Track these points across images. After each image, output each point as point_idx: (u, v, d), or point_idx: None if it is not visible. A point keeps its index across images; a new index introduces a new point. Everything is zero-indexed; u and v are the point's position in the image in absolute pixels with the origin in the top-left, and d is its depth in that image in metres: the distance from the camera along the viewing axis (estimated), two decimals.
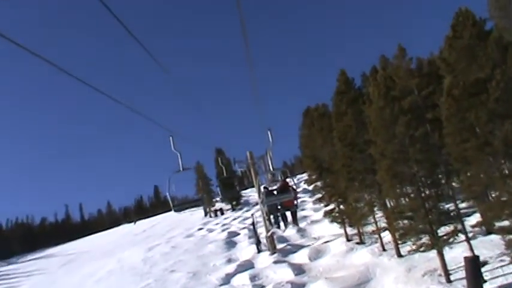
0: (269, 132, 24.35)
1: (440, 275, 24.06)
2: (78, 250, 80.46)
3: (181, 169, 15.07)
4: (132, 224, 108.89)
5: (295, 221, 25.26)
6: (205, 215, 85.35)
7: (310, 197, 70.62)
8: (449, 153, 23.91)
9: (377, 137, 25.53)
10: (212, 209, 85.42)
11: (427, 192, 23.94)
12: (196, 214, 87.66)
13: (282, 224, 25.03)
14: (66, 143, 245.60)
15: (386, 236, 31.97)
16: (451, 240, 23.13)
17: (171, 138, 14.51)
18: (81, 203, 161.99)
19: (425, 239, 23.62)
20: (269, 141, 24.25)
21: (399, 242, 27.05)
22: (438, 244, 23.16)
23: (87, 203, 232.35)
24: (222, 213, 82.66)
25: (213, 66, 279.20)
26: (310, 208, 59.99)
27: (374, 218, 32.60)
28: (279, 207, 22.88)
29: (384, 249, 31.49)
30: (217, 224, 70.84)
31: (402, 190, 24.72)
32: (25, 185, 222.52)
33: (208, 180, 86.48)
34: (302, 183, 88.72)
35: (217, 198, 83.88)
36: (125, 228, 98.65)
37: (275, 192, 23.18)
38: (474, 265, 20.91)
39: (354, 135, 31.07)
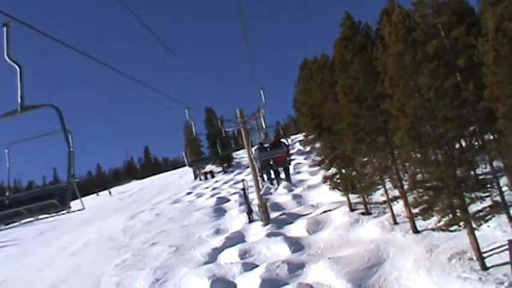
0: (261, 92, 21.49)
1: (471, 259, 19.59)
2: (58, 217, 75.60)
3: (19, 108, 12.37)
4: (109, 194, 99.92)
5: (287, 177, 23.05)
6: (195, 178, 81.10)
7: (305, 159, 66.53)
8: (490, 109, 18.99)
9: (395, 90, 20.65)
10: (202, 171, 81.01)
11: (458, 157, 19.23)
12: (186, 177, 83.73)
13: (274, 180, 23.09)
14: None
15: (396, 206, 27.59)
16: (488, 217, 18.53)
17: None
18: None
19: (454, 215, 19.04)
20: (262, 101, 21.29)
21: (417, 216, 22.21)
22: (471, 222, 18.60)
23: (76, 166, 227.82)
24: (213, 176, 78.33)
25: (201, 24, 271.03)
26: (307, 171, 55.61)
27: (384, 186, 27.99)
28: (271, 163, 21.08)
29: (396, 222, 26.98)
30: (206, 188, 66.65)
31: (426, 155, 19.89)
32: (12, 149, 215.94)
33: (198, 140, 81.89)
34: (297, 145, 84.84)
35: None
36: (97, 199, 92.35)
37: (268, 149, 20.86)
38: None
39: (361, 88, 26.19)
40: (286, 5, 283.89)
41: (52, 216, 5.85)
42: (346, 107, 26.83)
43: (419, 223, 24.22)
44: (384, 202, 27.35)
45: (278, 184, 24.49)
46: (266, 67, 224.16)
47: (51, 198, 5.07)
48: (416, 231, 24.60)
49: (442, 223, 19.46)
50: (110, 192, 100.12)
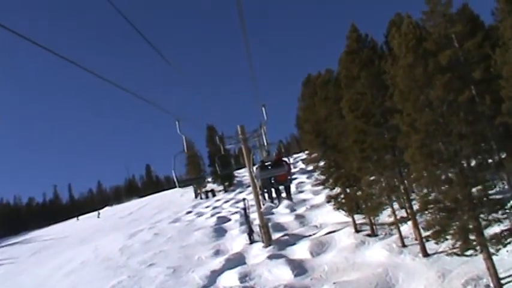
0: (263, 109, 22.05)
1: (488, 286, 18.23)
2: (57, 235, 74.56)
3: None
4: (96, 215, 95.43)
5: (288, 195, 23.03)
6: (196, 197, 79.82)
7: (308, 178, 65.24)
8: (508, 125, 17.73)
9: (405, 104, 19.44)
10: (203, 190, 79.72)
11: (473, 176, 17.95)
12: (187, 195, 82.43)
13: (276, 199, 22.90)
14: (58, 122, 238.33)
15: (403, 228, 26.27)
16: (508, 240, 17.19)
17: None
18: (70, 183, 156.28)
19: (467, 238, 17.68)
20: (263, 117, 22.02)
21: (427, 238, 20.77)
22: (488, 246, 17.27)
23: (78, 183, 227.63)
24: (214, 195, 77.01)
25: (204, 41, 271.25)
26: (309, 191, 54.32)
27: (392, 207, 26.65)
28: (272, 181, 21.52)
29: (404, 245, 25.61)
30: (207, 207, 65.24)
31: (438, 173, 18.60)
32: (14, 165, 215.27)
33: (199, 159, 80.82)
34: (299, 163, 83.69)
35: (209, 179, 78.02)
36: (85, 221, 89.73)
37: (269, 166, 21.33)
38: None
39: (368, 103, 25.00)
40: (288, 20, 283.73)
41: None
42: (352, 124, 25.62)
43: (430, 246, 22.91)
44: (392, 224, 25.93)
45: (279, 202, 24.25)
46: (268, 86, 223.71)
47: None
48: (426, 254, 23.26)
49: (455, 247, 18.14)
50: (98, 214, 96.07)
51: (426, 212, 19.72)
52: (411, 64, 19.19)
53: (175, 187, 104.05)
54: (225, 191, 79.19)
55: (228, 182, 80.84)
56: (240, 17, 7.21)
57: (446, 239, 18.69)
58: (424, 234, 21.66)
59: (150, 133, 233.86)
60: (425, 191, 20.30)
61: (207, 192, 78.44)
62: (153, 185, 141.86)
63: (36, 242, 69.51)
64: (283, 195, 23.70)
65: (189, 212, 62.51)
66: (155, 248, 40.61)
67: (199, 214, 58.39)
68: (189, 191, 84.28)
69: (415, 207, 23.19)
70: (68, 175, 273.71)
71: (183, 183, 17.12)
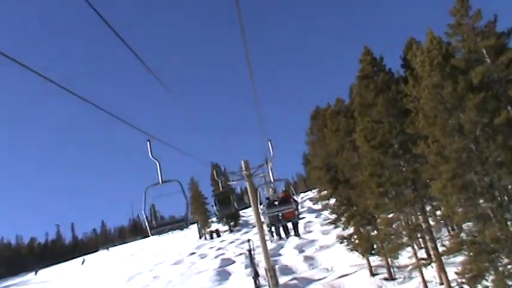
0: (269, 143, 19.81)
1: None
2: (54, 277, 71.40)
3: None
4: (81, 263, 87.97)
5: (297, 232, 20.88)
6: (200, 237, 76.94)
7: (317, 217, 62.56)
8: None
9: (431, 130, 16.96)
10: (207, 230, 76.93)
11: None
12: (192, 236, 79.67)
13: (284, 236, 21.23)
14: (62, 161, 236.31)
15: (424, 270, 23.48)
16: None
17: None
18: (73, 223, 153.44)
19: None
20: (270, 153, 19.45)
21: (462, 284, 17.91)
22: None
23: (82, 223, 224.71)
24: (219, 235, 74.14)
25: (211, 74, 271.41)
26: (318, 231, 51.46)
27: (413, 247, 23.90)
28: (280, 218, 19.07)
29: None
30: (211, 248, 62.41)
31: (475, 208, 15.99)
32: (16, 205, 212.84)
33: (203, 198, 78.08)
34: (306, 202, 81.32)
35: (213, 219, 75.26)
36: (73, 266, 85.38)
37: (276, 203, 19.04)
38: None
39: (386, 132, 22.50)
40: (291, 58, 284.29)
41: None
42: (369, 155, 23.10)
43: None
44: (416, 267, 22.99)
45: (287, 238, 22.92)
46: (273, 124, 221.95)
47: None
48: None
49: None
50: (83, 261, 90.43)
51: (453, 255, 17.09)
52: (437, 84, 16.89)
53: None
54: (230, 231, 76.32)
55: (234, 222, 77.96)
56: (247, 61, 6.95)
57: (487, 287, 15.95)
58: (452, 277, 19.07)
59: (155, 173, 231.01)
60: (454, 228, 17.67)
61: (211, 232, 75.86)
62: (157, 225, 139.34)
63: (31, 284, 66.44)
64: (292, 232, 21.63)
65: (192, 254, 59.81)
66: None
67: (203, 256, 55.56)
68: (194, 231, 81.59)
69: (440, 248, 20.48)
70: (72, 215, 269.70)
71: (156, 230, 13.04)
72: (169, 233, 11.69)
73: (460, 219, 16.47)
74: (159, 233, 12.08)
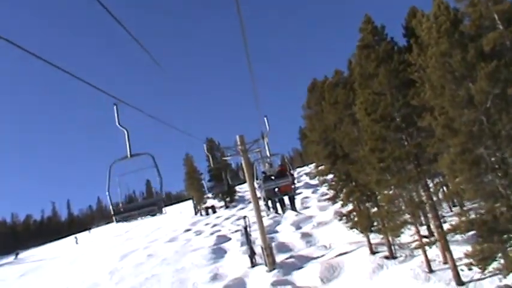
0: (265, 119, 22.40)
1: None
2: (49, 255, 70.52)
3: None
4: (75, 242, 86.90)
5: (293, 206, 23.93)
6: (196, 213, 76.15)
7: (314, 192, 61.73)
8: None
9: (438, 101, 15.79)
10: (203, 206, 76.03)
11: None
12: (187, 212, 79.10)
13: (279, 208, 24.28)
14: (57, 137, 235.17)
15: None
16: None
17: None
18: (68, 200, 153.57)
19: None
20: (266, 129, 22.63)
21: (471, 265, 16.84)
22: None
23: (78, 200, 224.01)
24: (214, 211, 73.35)
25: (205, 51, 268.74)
26: (316, 206, 50.49)
27: (416, 226, 22.90)
28: (276, 192, 21.79)
29: (431, 270, 21.81)
30: (207, 224, 61.64)
31: (488, 185, 14.88)
32: (11, 182, 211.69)
33: (199, 174, 77.04)
34: (303, 177, 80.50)
35: (209, 195, 74.27)
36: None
37: (272, 177, 21.72)
38: None
39: (388, 105, 21.28)
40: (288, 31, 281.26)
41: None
42: (369, 129, 21.89)
43: (464, 271, 19.15)
44: (421, 246, 21.92)
45: (283, 212, 25.59)
46: (269, 99, 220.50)
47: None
48: (461, 282, 19.40)
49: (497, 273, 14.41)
50: (76, 240, 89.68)
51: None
52: (445, 52, 15.64)
53: (177, 203, 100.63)
54: (226, 207, 75.43)
55: (229, 198, 77.04)
56: (243, 38, 7.21)
57: (499, 271, 14.94)
58: (456, 256, 18.15)
59: (150, 147, 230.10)
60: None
61: (207, 208, 75.01)
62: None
63: (27, 262, 65.67)
64: (288, 207, 24.46)
65: (187, 230, 59.03)
66: (147, 272, 36.80)
67: (198, 232, 54.70)
68: (189, 207, 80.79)
69: (448, 226, 19.44)
70: (67, 192, 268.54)
71: (121, 217, 10.61)
72: (139, 219, 9.61)
73: (470, 196, 15.38)
74: (125, 220, 9.66)
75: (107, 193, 9.34)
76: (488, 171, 14.73)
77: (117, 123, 9.75)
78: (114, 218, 9.49)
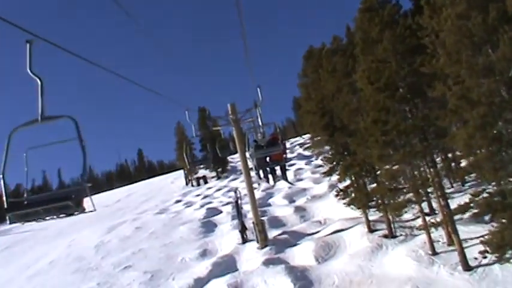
0: (258, 90, 20.17)
1: None
2: (36, 226, 68.76)
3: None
4: None
5: (284, 175, 23.27)
6: (187, 184, 74.73)
7: (307, 164, 60.22)
8: None
9: (454, 68, 14.00)
10: (194, 176, 74.51)
11: None
12: (178, 182, 77.89)
13: (271, 178, 23.70)
14: (48, 106, 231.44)
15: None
16: None
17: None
18: (59, 169, 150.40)
19: None
20: (258, 98, 20.43)
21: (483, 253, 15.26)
22: None
23: (69, 169, 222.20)
24: (206, 182, 72.05)
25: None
26: (309, 178, 48.95)
27: (420, 205, 21.28)
28: (267, 161, 21.48)
29: (435, 252, 20.30)
30: (197, 195, 60.42)
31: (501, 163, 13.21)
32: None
33: (191, 143, 75.32)
34: (296, 148, 79.15)
35: (201, 165, 72.66)
36: None
37: (264, 146, 20.76)
38: None
39: (392, 72, 19.46)
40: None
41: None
42: (372, 99, 20.10)
43: (471, 254, 17.72)
44: (425, 227, 20.34)
45: (275, 181, 25.07)
46: (262, 68, 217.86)
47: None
48: (468, 267, 17.89)
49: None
50: None
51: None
52: (462, 14, 13.80)
53: (169, 173, 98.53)
54: (218, 177, 74.04)
55: (221, 168, 75.59)
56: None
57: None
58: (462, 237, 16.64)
59: (142, 116, 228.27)
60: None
61: (198, 179, 73.76)
62: (146, 170, 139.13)
63: (12, 234, 63.96)
64: (280, 177, 23.81)
65: (178, 201, 57.90)
66: (134, 246, 35.29)
67: (188, 204, 53.41)
68: (181, 176, 79.37)
69: (454, 206, 17.88)
70: (58, 160, 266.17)
71: (18, 214, 5.00)
72: (48, 218, 5.67)
73: (489, 177, 13.69)
74: (25, 219, 5.77)
75: (0, 176, 5.45)
76: (509, 149, 13.04)
77: (28, 70, 6.44)
78: (7, 216, 5.25)
